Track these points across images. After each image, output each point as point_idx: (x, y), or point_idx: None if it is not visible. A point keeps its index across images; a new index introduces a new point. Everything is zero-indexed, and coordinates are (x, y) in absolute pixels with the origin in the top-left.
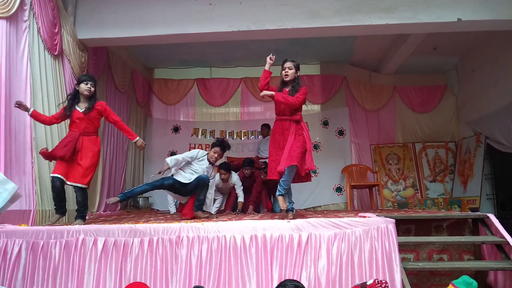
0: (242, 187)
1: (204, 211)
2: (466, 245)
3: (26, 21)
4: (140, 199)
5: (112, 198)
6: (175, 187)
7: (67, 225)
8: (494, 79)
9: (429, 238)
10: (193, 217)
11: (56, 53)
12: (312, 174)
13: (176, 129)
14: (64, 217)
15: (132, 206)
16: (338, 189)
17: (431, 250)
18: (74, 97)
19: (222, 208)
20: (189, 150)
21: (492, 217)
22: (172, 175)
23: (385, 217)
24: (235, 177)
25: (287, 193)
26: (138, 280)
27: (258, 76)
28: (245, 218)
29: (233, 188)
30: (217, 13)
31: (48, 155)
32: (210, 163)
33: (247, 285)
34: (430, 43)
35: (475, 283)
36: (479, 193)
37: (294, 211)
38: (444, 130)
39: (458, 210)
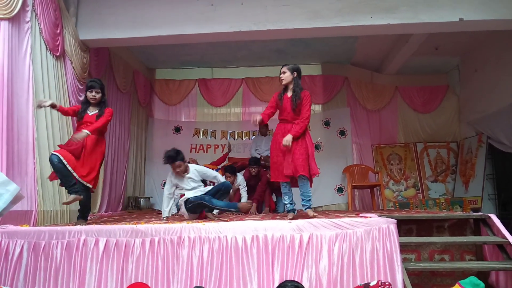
0: (246, 188)
1: (214, 214)
2: (468, 246)
3: (28, 22)
4: (142, 199)
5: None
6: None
7: (68, 225)
8: (496, 79)
9: (431, 238)
10: (205, 217)
11: (58, 54)
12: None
13: (177, 130)
14: (80, 199)
15: (133, 206)
16: (340, 190)
17: (432, 250)
18: (85, 102)
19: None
20: (190, 151)
21: (494, 217)
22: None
23: (386, 217)
24: (239, 178)
25: (287, 194)
26: (139, 281)
27: (259, 76)
28: (247, 218)
29: (238, 189)
30: (218, 14)
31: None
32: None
33: (248, 285)
34: (432, 43)
35: (482, 284)
36: (480, 193)
37: (296, 211)
38: (445, 130)
39: (459, 210)
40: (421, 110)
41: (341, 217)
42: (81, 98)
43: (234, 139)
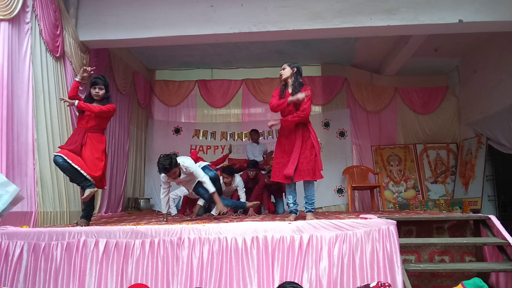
0: (244, 189)
1: (213, 214)
2: (468, 247)
3: (28, 23)
4: (142, 200)
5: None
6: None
7: (68, 226)
8: (496, 80)
9: (431, 239)
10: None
11: (58, 55)
12: None
13: (177, 131)
14: (96, 192)
15: (133, 207)
16: (339, 191)
17: (432, 251)
18: (89, 98)
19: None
20: (190, 151)
21: (494, 218)
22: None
23: (386, 218)
24: (237, 179)
25: (291, 194)
26: (139, 282)
27: (259, 77)
28: (246, 219)
29: (235, 190)
30: (218, 15)
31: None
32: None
33: (248, 286)
34: (432, 44)
35: (486, 286)
36: (480, 194)
37: (298, 213)
38: (445, 131)
39: (459, 211)
40: (421, 111)
41: (341, 218)
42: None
43: (234, 140)
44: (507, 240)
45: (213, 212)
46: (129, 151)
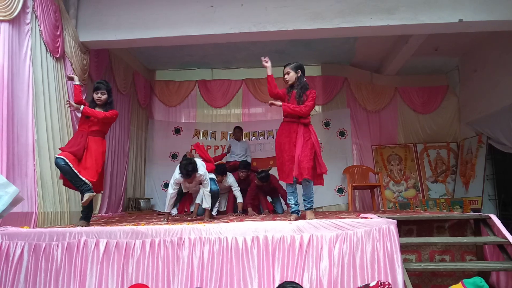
0: (239, 188)
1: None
2: (468, 246)
3: (28, 23)
4: (142, 200)
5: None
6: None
7: (69, 227)
8: (496, 79)
9: (431, 239)
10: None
11: (58, 56)
12: None
13: (177, 131)
14: (96, 194)
15: (133, 207)
16: (340, 190)
17: (433, 251)
18: (92, 102)
19: (222, 209)
20: (190, 151)
21: (494, 217)
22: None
23: (386, 218)
24: (231, 179)
25: (292, 195)
26: (140, 282)
27: (259, 77)
28: (247, 219)
29: (230, 188)
30: (218, 15)
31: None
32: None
33: (249, 286)
34: (432, 44)
35: (486, 286)
36: (481, 193)
37: (300, 213)
38: (445, 130)
39: (460, 210)
40: (421, 110)
41: (341, 218)
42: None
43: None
44: (507, 239)
45: (213, 212)
46: (129, 152)
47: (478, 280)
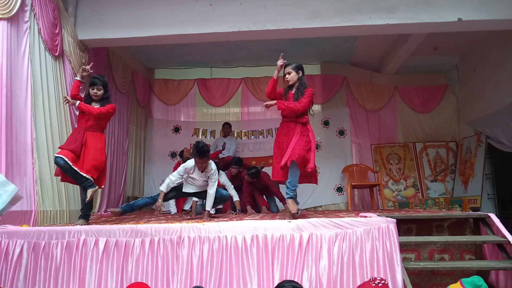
0: (232, 186)
1: (212, 214)
2: (467, 245)
3: (27, 22)
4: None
5: (115, 209)
6: (181, 193)
7: (68, 225)
8: (495, 79)
9: (430, 238)
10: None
11: (56, 54)
12: None
13: (176, 130)
14: (98, 189)
15: None
16: (339, 189)
17: (432, 250)
18: (88, 97)
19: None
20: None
21: (493, 216)
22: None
23: (386, 217)
24: (222, 178)
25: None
26: (139, 281)
27: (258, 76)
28: (246, 218)
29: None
30: (217, 14)
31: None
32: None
33: (248, 285)
34: (431, 43)
35: (484, 285)
36: (480, 192)
37: (300, 212)
38: (445, 129)
39: (459, 209)
40: (420, 109)
41: (340, 217)
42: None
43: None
44: (506, 238)
45: (212, 211)
46: (129, 150)
47: (477, 279)
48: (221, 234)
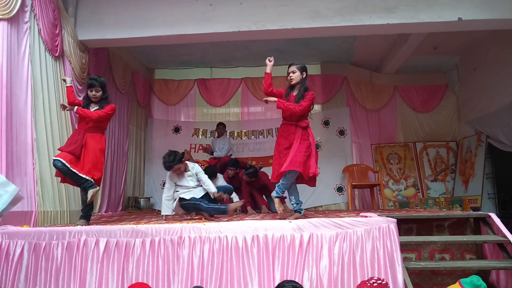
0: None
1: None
2: (468, 245)
3: (27, 22)
4: (141, 199)
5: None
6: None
7: (69, 226)
8: (496, 78)
9: (431, 237)
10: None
11: (57, 54)
12: None
13: (176, 130)
14: (98, 190)
15: (133, 206)
16: (339, 189)
17: (432, 249)
18: (87, 99)
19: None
20: (190, 150)
21: (494, 216)
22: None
23: (386, 216)
24: (220, 180)
25: (293, 194)
26: (140, 281)
27: (258, 76)
28: (246, 218)
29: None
30: (217, 14)
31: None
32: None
33: (249, 285)
34: (431, 42)
35: (483, 285)
36: (480, 192)
37: (303, 212)
38: (445, 129)
39: (459, 209)
40: (420, 109)
41: (341, 217)
42: (80, 98)
43: (234, 139)
44: (507, 238)
45: None
46: (129, 151)
47: (475, 279)
48: (222, 234)
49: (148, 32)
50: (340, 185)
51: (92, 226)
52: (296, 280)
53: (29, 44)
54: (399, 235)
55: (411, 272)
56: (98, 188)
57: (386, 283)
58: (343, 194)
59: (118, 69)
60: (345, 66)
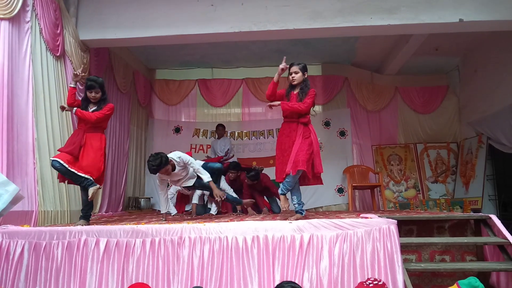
0: (232, 190)
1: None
2: (468, 246)
3: (28, 22)
4: (142, 199)
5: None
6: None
7: (69, 225)
8: (497, 79)
9: (431, 239)
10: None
11: (58, 54)
12: None
13: (177, 130)
14: (99, 189)
15: (133, 207)
16: (340, 190)
17: (433, 251)
18: (86, 100)
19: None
20: (190, 150)
21: (494, 218)
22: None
23: (387, 218)
24: (221, 183)
25: (295, 194)
26: (140, 281)
27: (259, 77)
28: (247, 219)
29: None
30: (218, 14)
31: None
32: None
33: (249, 286)
34: (432, 43)
35: (481, 286)
36: (481, 194)
37: (304, 212)
38: (446, 130)
39: (460, 211)
40: (421, 110)
41: (341, 218)
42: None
43: (234, 139)
44: (507, 240)
45: (212, 211)
46: (129, 151)
47: (473, 280)
48: (222, 234)
49: (149, 32)
50: (340, 186)
51: (93, 226)
52: (296, 281)
53: (31, 43)
54: (400, 237)
55: (411, 274)
56: (98, 186)
57: (384, 284)
58: (344, 195)
59: (119, 69)
60: (346, 67)
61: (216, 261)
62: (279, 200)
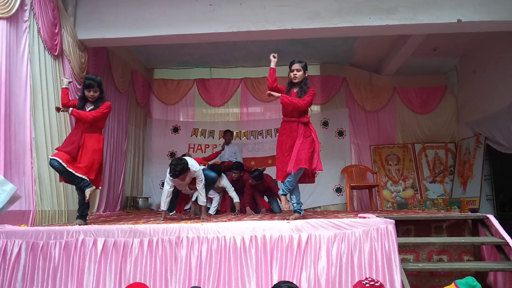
0: (233, 188)
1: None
2: (466, 246)
3: (26, 21)
4: (140, 199)
5: None
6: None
7: (66, 225)
8: (495, 80)
9: (429, 239)
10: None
11: (56, 54)
12: None
13: (175, 130)
14: (96, 189)
15: (131, 206)
16: (338, 190)
17: (430, 251)
18: (83, 99)
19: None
20: (188, 151)
21: (492, 218)
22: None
23: (384, 217)
24: (223, 180)
25: (294, 194)
26: (137, 281)
27: (258, 76)
28: (245, 218)
29: (225, 190)
30: (217, 14)
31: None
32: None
33: (246, 285)
34: (430, 44)
35: (478, 285)
36: (478, 194)
37: (302, 212)
38: (444, 131)
39: (457, 211)
40: (419, 111)
41: (339, 218)
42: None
43: (233, 139)
44: (505, 240)
45: (211, 211)
46: (127, 150)
47: (471, 279)
48: (220, 234)
49: (147, 31)
50: (338, 186)
51: (90, 225)
52: (294, 281)
53: (29, 43)
54: (397, 236)
55: (409, 273)
56: (94, 187)
57: (381, 285)
58: (342, 195)
59: (117, 69)
60: (344, 67)
61: (214, 261)
62: (280, 200)
